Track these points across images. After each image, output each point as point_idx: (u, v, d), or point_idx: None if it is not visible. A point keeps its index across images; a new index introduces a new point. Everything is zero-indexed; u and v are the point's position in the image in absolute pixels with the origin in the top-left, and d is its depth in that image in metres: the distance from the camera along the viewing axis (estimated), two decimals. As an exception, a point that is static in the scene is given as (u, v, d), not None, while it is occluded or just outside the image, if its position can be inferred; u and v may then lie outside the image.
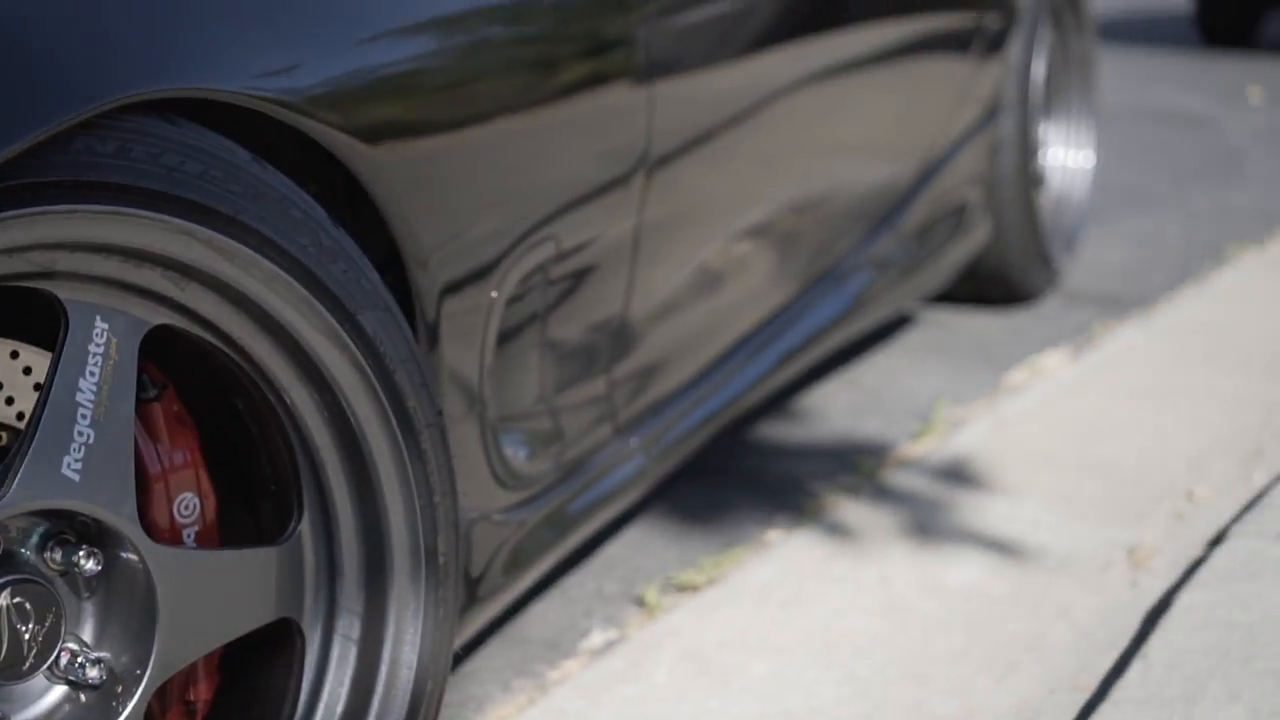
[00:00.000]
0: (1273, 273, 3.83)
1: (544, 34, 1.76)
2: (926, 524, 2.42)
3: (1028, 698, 1.96)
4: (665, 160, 1.97)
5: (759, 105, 2.27)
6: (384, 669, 1.43)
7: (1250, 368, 3.14)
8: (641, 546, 2.35)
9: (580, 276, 1.86)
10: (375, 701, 1.43)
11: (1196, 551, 2.35)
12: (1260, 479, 2.60)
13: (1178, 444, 2.77)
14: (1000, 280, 3.42)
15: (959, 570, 2.29)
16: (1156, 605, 2.18)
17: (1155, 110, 6.33)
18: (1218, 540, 2.34)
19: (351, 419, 1.36)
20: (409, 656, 1.44)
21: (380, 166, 1.42)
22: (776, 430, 2.80)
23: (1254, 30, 8.56)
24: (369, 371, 1.35)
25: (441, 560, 1.46)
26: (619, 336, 2.00)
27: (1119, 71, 7.57)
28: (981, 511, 2.46)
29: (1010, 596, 2.23)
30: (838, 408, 2.91)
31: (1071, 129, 3.67)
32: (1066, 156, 3.67)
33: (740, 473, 2.60)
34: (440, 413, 1.44)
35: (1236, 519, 2.40)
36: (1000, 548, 2.36)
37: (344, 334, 1.33)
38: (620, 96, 1.86)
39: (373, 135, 1.41)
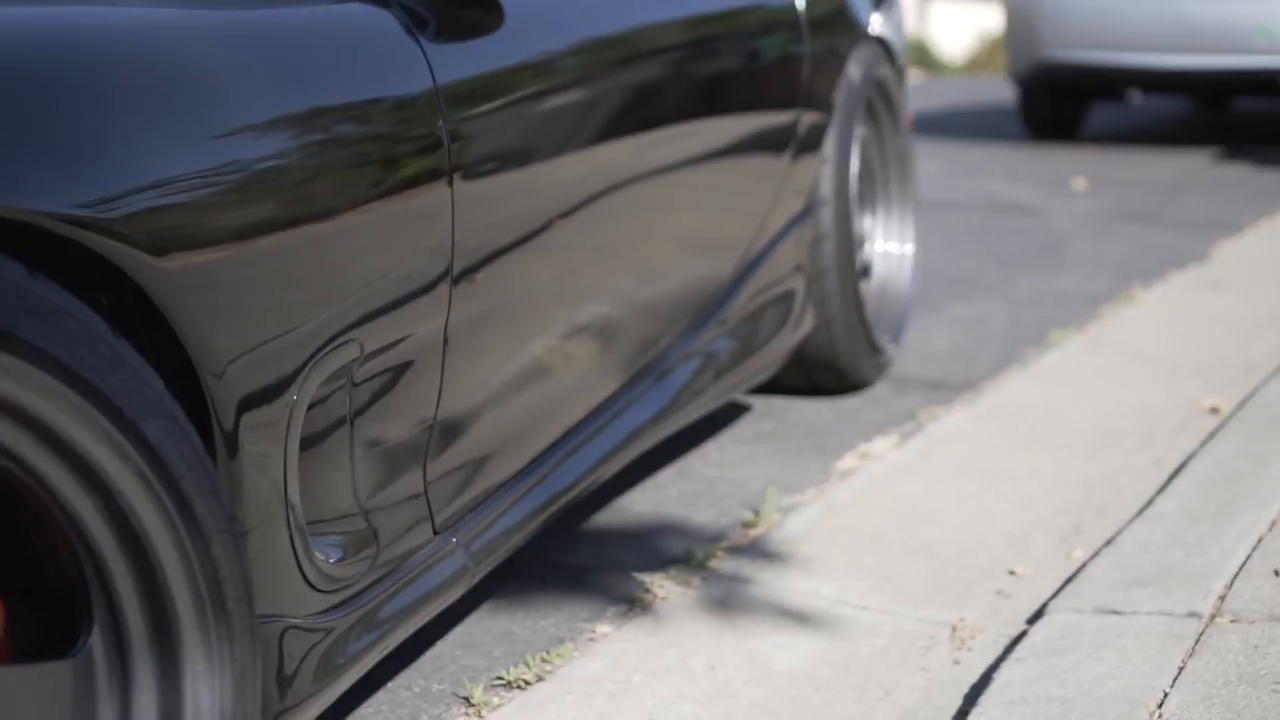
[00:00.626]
0: (1092, 354, 3.94)
1: (343, 138, 1.77)
2: (756, 611, 2.43)
3: (852, 780, 1.98)
4: (473, 260, 1.99)
5: (570, 205, 2.30)
6: (184, 780, 1.41)
7: (1070, 447, 3.22)
8: (470, 644, 2.34)
9: (388, 377, 1.87)
10: (175, 814, 1.41)
11: (1017, 628, 2.39)
12: (1079, 555, 2.66)
13: (1001, 523, 2.82)
14: (830, 369, 3.47)
15: (786, 655, 2.31)
16: (977, 682, 2.22)
17: (983, 201, 6.49)
18: (1037, 616, 2.39)
19: (138, 529, 1.35)
20: (209, 767, 1.42)
21: (166, 278, 1.42)
22: (609, 522, 2.81)
23: (1078, 122, 8.84)
24: (153, 480, 1.34)
25: (240, 670, 1.44)
26: (434, 435, 2.00)
27: (949, 165, 7.76)
28: (809, 596, 2.49)
29: (836, 679, 2.25)
30: (670, 498, 2.93)
31: (892, 220, 3.75)
32: (889, 247, 3.75)
33: (572, 566, 2.61)
34: (233, 519, 1.43)
35: (1055, 595, 2.45)
36: (827, 631, 2.38)
37: (126, 443, 1.32)
38: (425, 199, 1.88)
39: (157, 248, 1.41)
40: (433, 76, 1.92)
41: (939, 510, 2.86)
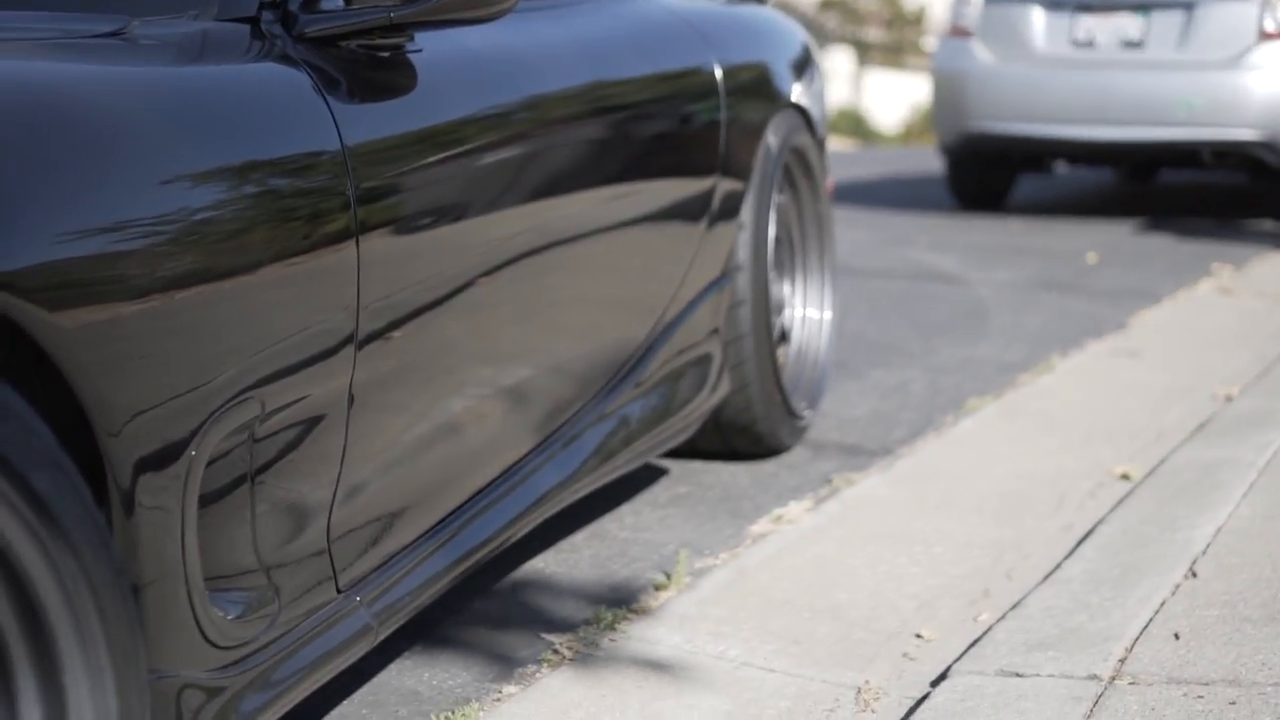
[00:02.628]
0: (1008, 421, 3.99)
1: (248, 196, 1.79)
2: (663, 672, 2.44)
3: (752, 840, 1.99)
4: (379, 320, 2.00)
5: (481, 268, 2.32)
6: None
7: (982, 512, 3.26)
8: (376, 703, 2.34)
9: (291, 434, 1.88)
10: None
11: (921, 690, 2.42)
12: (986, 618, 2.69)
13: (910, 587, 2.85)
14: (746, 433, 3.50)
15: (692, 716, 2.32)
16: (879, 743, 2.24)
17: (909, 269, 6.56)
18: (941, 679, 2.41)
19: (24, 578, 1.35)
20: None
21: (62, 334, 1.43)
22: (522, 581, 2.82)
23: (1005, 193, 8.96)
24: (40, 531, 1.35)
25: (128, 721, 1.44)
26: (338, 493, 2.01)
27: (878, 233, 7.85)
28: (716, 658, 2.50)
29: (740, 741, 2.26)
30: (583, 560, 2.94)
31: (811, 286, 3.79)
32: (808, 312, 3.79)
33: (482, 626, 2.61)
34: (122, 572, 1.43)
35: (959, 657, 2.48)
36: (733, 693, 2.39)
37: (12, 493, 1.32)
38: (331, 258, 1.90)
39: (53, 303, 1.42)
40: (340, 137, 1.95)
41: (849, 574, 2.88)
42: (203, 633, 1.72)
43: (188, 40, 1.94)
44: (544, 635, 2.56)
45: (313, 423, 1.91)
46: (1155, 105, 7.92)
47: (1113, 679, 2.27)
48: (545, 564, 2.91)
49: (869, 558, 2.97)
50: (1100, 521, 3.13)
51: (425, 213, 2.13)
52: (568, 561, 2.93)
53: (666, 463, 3.56)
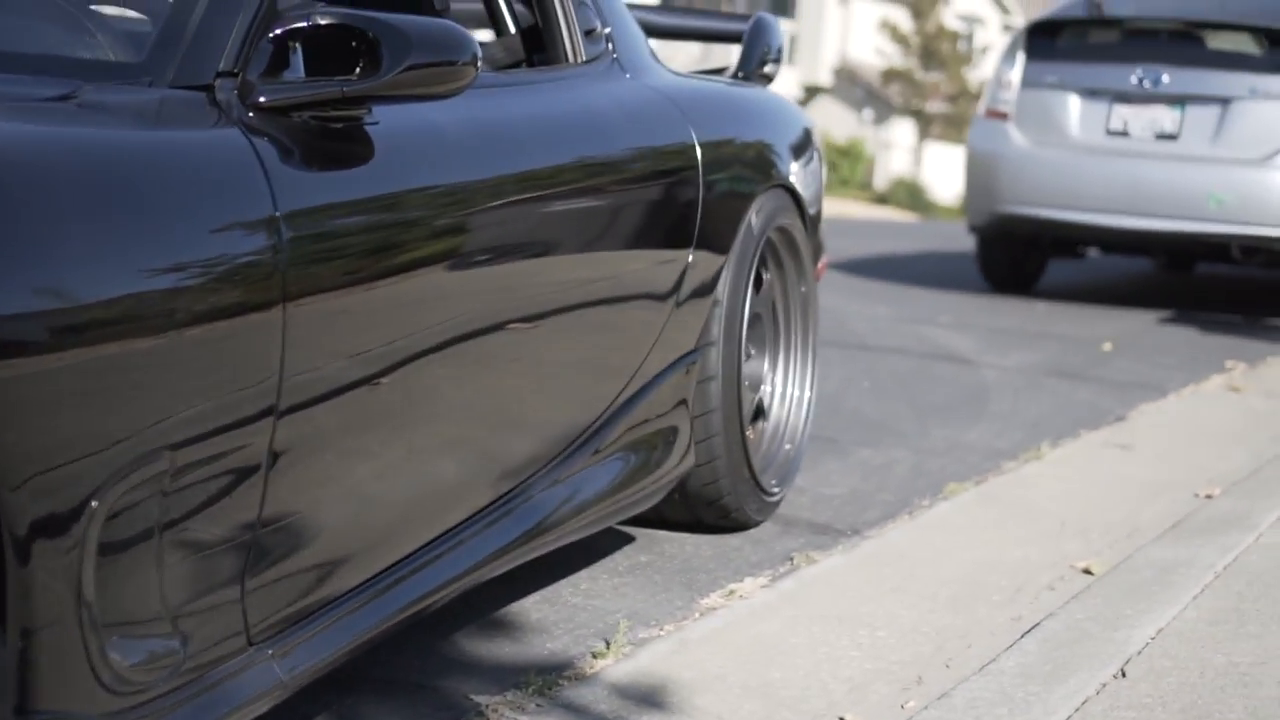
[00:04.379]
0: (984, 508, 4.02)
1: (173, 258, 1.86)
2: (583, 741, 2.49)
3: None
4: (303, 389, 2.07)
5: (428, 335, 2.39)
6: None
7: (936, 598, 3.29)
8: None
9: (205, 490, 1.94)
10: None
11: (833, 773, 2.45)
12: (913, 706, 2.72)
13: (846, 670, 2.88)
14: (713, 506, 3.55)
15: (603, 787, 2.36)
16: (777, 824, 2.28)
17: (922, 348, 6.60)
18: (852, 763, 2.45)
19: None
20: None
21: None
22: (460, 642, 2.87)
23: (1035, 276, 8.98)
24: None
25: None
26: (254, 547, 2.07)
27: (900, 309, 7.89)
28: (638, 730, 2.55)
29: (646, 813, 2.30)
30: (528, 623, 2.99)
31: (793, 364, 3.84)
32: (788, 390, 3.84)
33: (413, 683, 2.66)
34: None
35: (875, 743, 2.51)
36: (648, 766, 2.44)
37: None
38: (254, 325, 1.97)
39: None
40: (274, 204, 2.02)
41: (788, 653, 2.92)
42: (97, 677, 1.79)
43: (137, 106, 2.02)
44: (472, 696, 2.62)
45: (229, 479, 1.98)
46: (1186, 198, 7.94)
47: (1015, 775, 2.30)
48: (491, 625, 2.97)
49: (812, 638, 3.01)
50: (1049, 615, 3.15)
51: (363, 281, 2.20)
52: (514, 624, 2.98)
53: (633, 530, 3.61)
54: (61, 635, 1.73)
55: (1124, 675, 2.71)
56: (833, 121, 37.54)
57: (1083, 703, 2.59)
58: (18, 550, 1.62)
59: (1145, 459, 4.71)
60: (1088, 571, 3.53)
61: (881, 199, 33.56)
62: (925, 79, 37.52)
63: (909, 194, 33.69)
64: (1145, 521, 3.97)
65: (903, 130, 39.67)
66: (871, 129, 39.35)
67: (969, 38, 40.81)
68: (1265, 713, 2.53)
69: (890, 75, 37.96)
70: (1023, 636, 3.02)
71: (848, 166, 34.49)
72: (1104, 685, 2.66)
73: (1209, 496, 4.21)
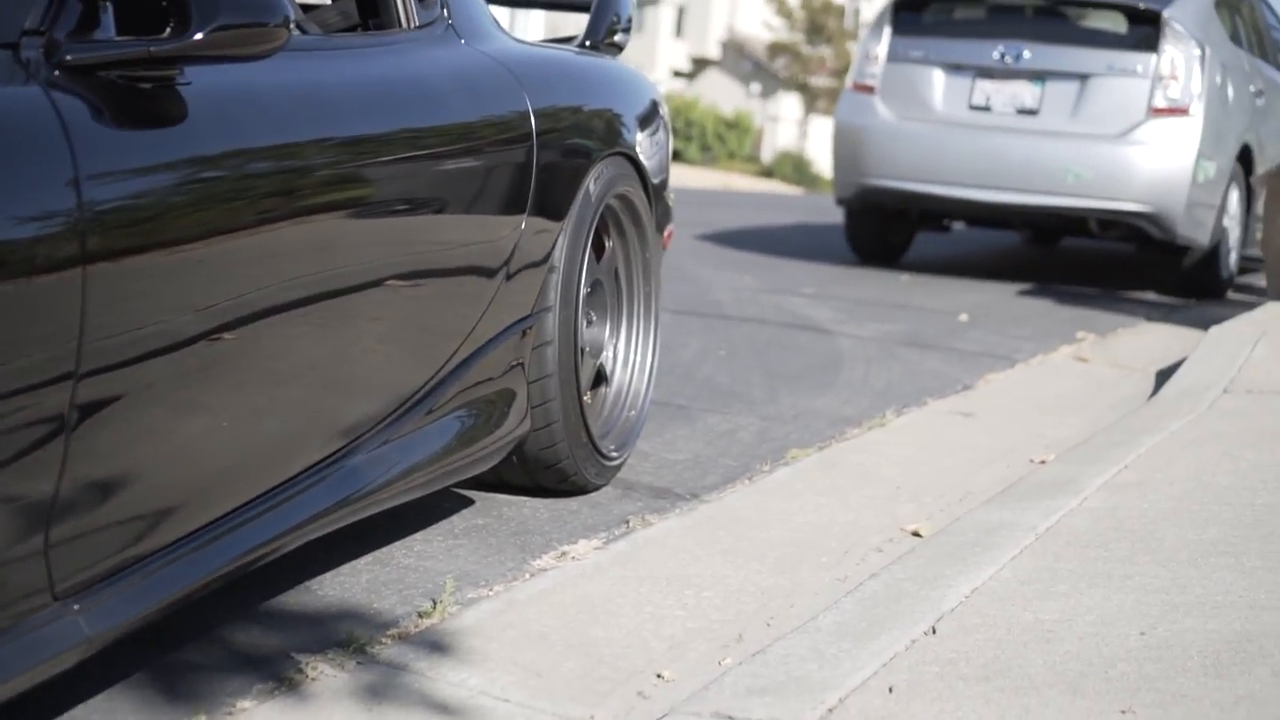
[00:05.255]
0: (822, 474, 4.09)
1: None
2: (399, 697, 2.52)
3: None
4: (106, 352, 2.08)
5: (241, 294, 2.40)
6: None
7: (765, 560, 3.36)
8: (109, 712, 2.41)
9: (2, 445, 1.95)
10: None
11: (644, 727, 2.51)
12: (729, 662, 2.78)
13: (668, 628, 2.94)
14: (551, 470, 3.59)
15: (416, 741, 2.40)
16: (582, 776, 2.33)
17: (782, 318, 6.69)
18: (662, 719, 2.50)
19: None
20: None
21: None
22: (288, 601, 2.89)
23: (902, 249, 9.11)
24: None
25: None
26: (58, 501, 2.08)
27: (766, 280, 7.98)
28: (456, 686, 2.58)
29: (456, 767, 2.34)
30: (358, 583, 3.02)
31: (635, 331, 3.89)
32: (630, 356, 3.89)
33: (234, 641, 2.68)
34: None
35: (687, 699, 2.57)
36: (460, 720, 2.48)
37: None
38: (53, 284, 1.98)
39: None
40: (75, 165, 2.02)
41: (613, 612, 2.98)
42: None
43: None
44: (293, 655, 2.64)
45: (28, 436, 1.99)
46: (1046, 173, 8.10)
47: (815, 727, 2.37)
48: (320, 585, 2.99)
49: (638, 598, 3.06)
50: (871, 576, 3.23)
51: (170, 244, 2.21)
52: (343, 585, 3.01)
53: (473, 494, 3.65)
54: None
55: (934, 632, 2.79)
56: (720, 94, 37.70)
57: (891, 658, 2.66)
58: None
59: (986, 426, 4.82)
60: (916, 534, 3.61)
61: (767, 172, 33.76)
62: (812, 53, 37.75)
63: (794, 167, 33.89)
64: (978, 486, 4.07)
65: (789, 104, 39.89)
66: (759, 102, 39.56)
67: (855, 13, 41.10)
68: (1063, 667, 2.61)
69: (777, 49, 38.14)
70: (844, 596, 3.09)
71: (735, 139, 34.65)
72: (914, 642, 2.74)
73: (1042, 462, 4.32)
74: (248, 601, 2.86)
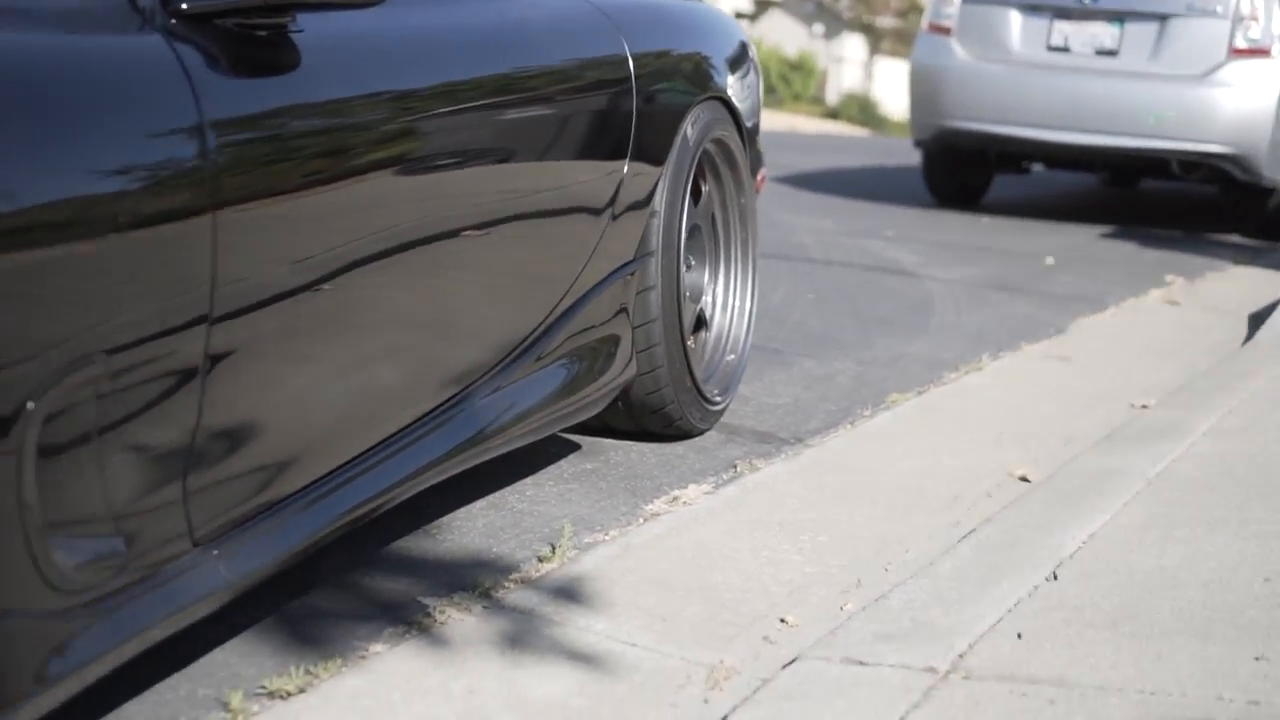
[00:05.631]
0: (924, 418, 4.07)
1: (99, 171, 1.87)
2: (526, 641, 2.53)
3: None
4: (236, 296, 2.08)
5: (362, 242, 2.40)
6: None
7: (876, 505, 3.34)
8: (246, 654, 2.42)
9: (144, 392, 1.96)
10: None
11: (772, 673, 2.50)
12: (850, 608, 2.78)
13: (787, 573, 2.94)
14: (656, 415, 3.58)
15: (546, 685, 2.40)
16: (716, 721, 2.33)
17: (867, 261, 6.64)
18: (792, 663, 2.50)
19: None
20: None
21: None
22: (408, 546, 2.90)
23: (981, 191, 9.03)
24: None
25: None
26: (196, 449, 2.09)
27: (846, 223, 7.93)
28: (581, 630, 2.59)
29: (588, 710, 2.35)
30: (474, 528, 3.03)
31: (733, 275, 3.87)
32: (729, 300, 3.87)
33: (361, 585, 2.70)
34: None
35: (815, 644, 2.57)
36: (590, 664, 2.48)
37: None
38: (184, 232, 1.98)
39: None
40: (200, 112, 2.02)
41: (731, 557, 2.97)
42: (42, 576, 1.81)
43: (58, 11, 2.01)
44: (420, 599, 2.65)
45: (166, 385, 2.00)
46: (1126, 114, 8.01)
47: (948, 673, 2.36)
48: (438, 529, 3.00)
49: (754, 543, 3.06)
50: (985, 521, 3.21)
51: (294, 188, 2.21)
52: (460, 529, 3.02)
53: (579, 438, 3.65)
54: (4, 536, 1.75)
55: (1055, 578, 2.77)
56: (784, 35, 37.40)
57: (1015, 604, 2.65)
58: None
59: (1082, 371, 4.78)
60: (1024, 479, 3.59)
61: (833, 114, 33.52)
62: (875, -7, 37.43)
63: (860, 109, 33.64)
64: (1081, 431, 4.04)
65: (853, 45, 39.58)
66: (823, 43, 39.24)
67: (918, -47, 40.65)
68: (1190, 613, 2.59)
69: (839, -11, 37.84)
70: (959, 541, 3.08)
71: (799, 81, 34.40)
72: (1036, 588, 2.73)
73: (1144, 407, 4.28)
74: (365, 547, 2.87)
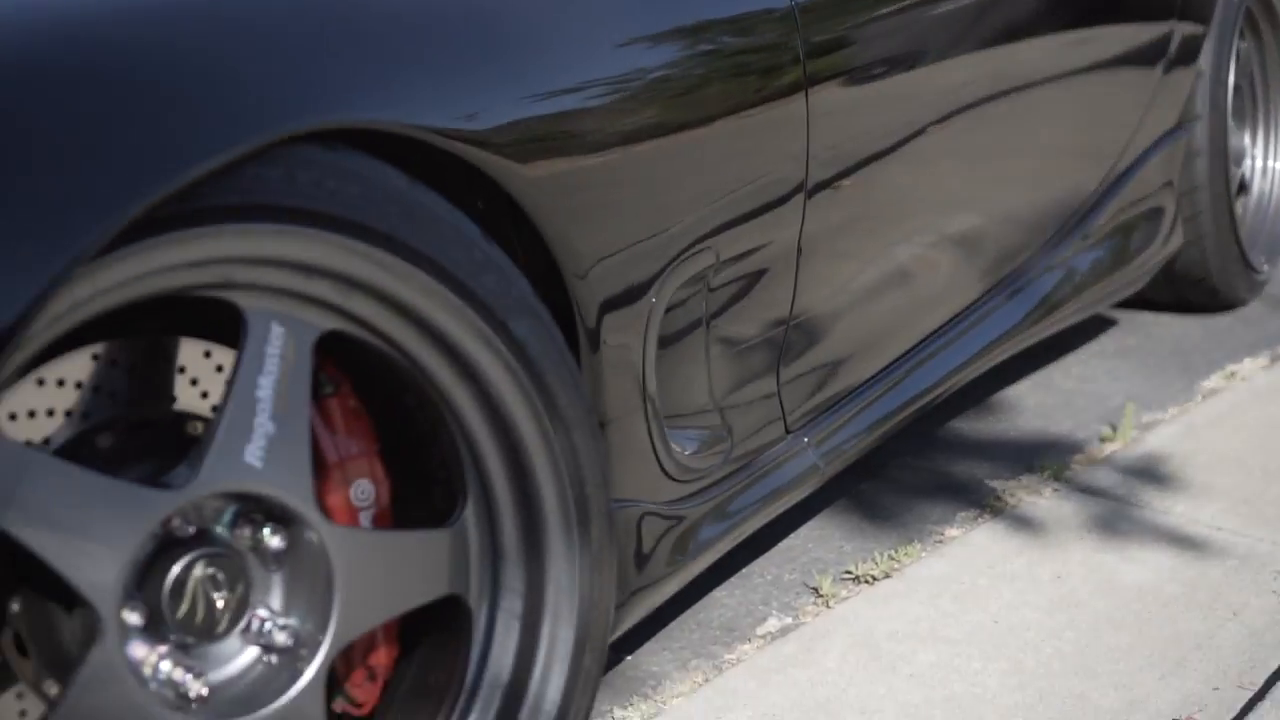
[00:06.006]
0: None
1: (703, 53, 1.87)
2: (1106, 524, 2.46)
3: (1191, 694, 2.00)
4: (828, 170, 2.06)
5: (931, 115, 2.34)
6: (543, 643, 1.56)
7: None
8: (821, 539, 2.44)
9: (743, 283, 1.96)
10: (537, 671, 1.56)
11: (1378, 554, 2.35)
12: None
13: (1371, 448, 2.75)
14: (1200, 286, 3.42)
15: (1134, 569, 2.33)
16: (1329, 605, 2.20)
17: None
18: (1399, 542, 2.34)
19: (506, 416, 1.48)
20: (566, 633, 1.56)
21: (534, 188, 1.54)
22: (963, 429, 2.86)
23: None
24: (520, 373, 1.47)
25: (596, 547, 1.58)
26: (787, 338, 2.09)
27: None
28: (1162, 513, 2.49)
29: (1183, 596, 2.26)
30: (1027, 408, 2.96)
31: (1273, 136, 3.64)
32: (1268, 163, 3.64)
33: (923, 470, 2.67)
34: (591, 410, 1.56)
35: None
36: (1177, 548, 2.39)
37: (496, 339, 1.45)
38: (782, 111, 1.96)
39: (526, 158, 1.53)
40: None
41: (1306, 433, 2.81)
42: (661, 466, 1.84)
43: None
44: (986, 482, 2.61)
45: (764, 271, 2.00)
46: None
47: None
48: (989, 412, 2.95)
49: (1327, 417, 2.88)
50: None
51: (873, 64, 2.16)
52: (1011, 411, 2.95)
53: (1115, 313, 3.52)
54: (628, 428, 1.78)
55: None
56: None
57: None
58: (590, 342, 1.67)
59: None
60: None
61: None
62: None
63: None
64: None
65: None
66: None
67: None
68: None
69: None
70: None
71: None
72: None
73: None
74: (923, 432, 2.84)
